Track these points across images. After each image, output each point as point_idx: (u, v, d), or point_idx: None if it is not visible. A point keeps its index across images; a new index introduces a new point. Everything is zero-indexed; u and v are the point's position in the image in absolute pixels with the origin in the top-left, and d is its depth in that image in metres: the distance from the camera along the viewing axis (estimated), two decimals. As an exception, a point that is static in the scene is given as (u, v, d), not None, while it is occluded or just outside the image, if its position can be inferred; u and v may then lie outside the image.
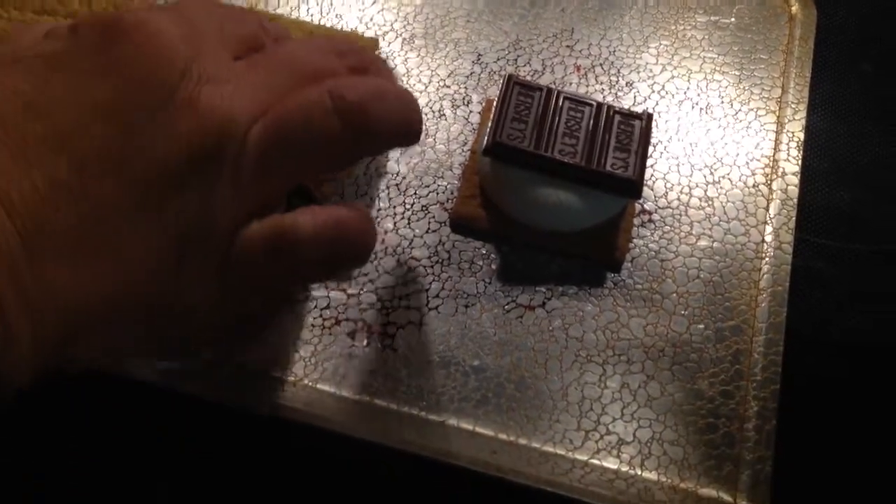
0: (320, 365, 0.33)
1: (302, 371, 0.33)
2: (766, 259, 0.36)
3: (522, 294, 0.35)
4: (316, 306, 0.34)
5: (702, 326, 0.34)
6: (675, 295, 0.35)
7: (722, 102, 0.40)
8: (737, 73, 0.41)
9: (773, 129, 0.39)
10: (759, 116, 0.39)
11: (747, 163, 0.38)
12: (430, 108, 0.39)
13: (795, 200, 0.37)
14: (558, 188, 0.34)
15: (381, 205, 0.36)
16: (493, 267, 0.35)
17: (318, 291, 0.34)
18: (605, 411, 0.33)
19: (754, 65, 0.41)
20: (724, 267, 0.36)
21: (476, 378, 0.33)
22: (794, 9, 0.43)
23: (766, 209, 0.37)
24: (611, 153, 0.34)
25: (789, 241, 0.36)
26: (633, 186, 0.33)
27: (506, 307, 0.34)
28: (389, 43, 0.40)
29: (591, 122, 0.34)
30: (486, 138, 0.34)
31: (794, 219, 0.37)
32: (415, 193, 0.37)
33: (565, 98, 0.35)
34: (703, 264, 0.36)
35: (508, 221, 0.35)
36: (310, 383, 0.33)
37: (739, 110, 0.40)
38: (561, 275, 0.35)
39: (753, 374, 0.33)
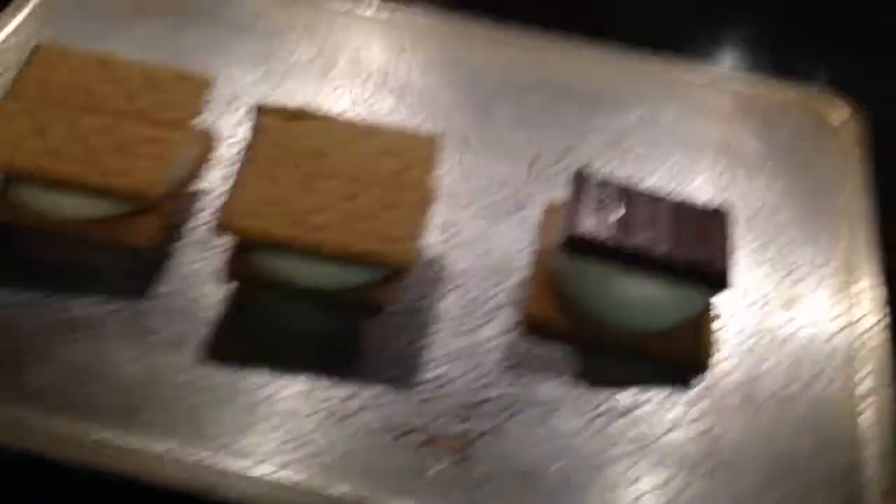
0: (386, 481, 0.29)
1: (367, 488, 0.29)
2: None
3: (607, 400, 0.32)
4: (380, 414, 0.31)
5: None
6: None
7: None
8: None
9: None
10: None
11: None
12: (489, 209, 0.37)
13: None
14: (642, 282, 0.32)
15: (446, 307, 0.34)
16: (574, 370, 0.33)
17: (381, 398, 0.31)
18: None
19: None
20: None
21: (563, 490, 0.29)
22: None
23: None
24: (694, 245, 0.32)
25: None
26: (721, 277, 0.31)
27: (589, 414, 0.31)
28: (446, 146, 0.39)
29: (670, 214, 0.33)
30: (562, 233, 0.32)
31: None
32: (479, 297, 0.34)
33: (640, 192, 0.33)
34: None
35: (587, 321, 0.33)
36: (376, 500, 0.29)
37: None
38: (647, 377, 0.33)
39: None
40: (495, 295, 0.34)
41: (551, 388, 0.32)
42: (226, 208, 0.32)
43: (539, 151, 0.40)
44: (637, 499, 0.29)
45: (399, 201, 0.32)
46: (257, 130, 0.34)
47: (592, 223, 0.32)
